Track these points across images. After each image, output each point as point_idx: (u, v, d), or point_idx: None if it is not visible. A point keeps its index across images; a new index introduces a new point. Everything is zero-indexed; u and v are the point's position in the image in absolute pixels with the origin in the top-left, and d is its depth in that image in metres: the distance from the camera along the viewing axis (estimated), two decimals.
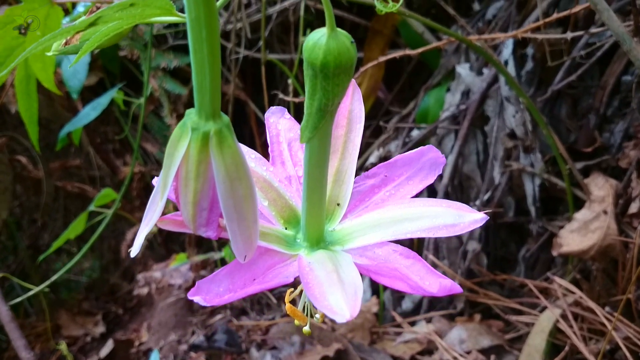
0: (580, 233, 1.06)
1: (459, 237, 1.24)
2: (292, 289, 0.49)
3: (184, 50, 1.60)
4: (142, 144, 1.84)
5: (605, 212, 1.05)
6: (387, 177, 0.49)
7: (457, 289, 0.40)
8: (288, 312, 0.48)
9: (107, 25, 0.35)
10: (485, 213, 0.43)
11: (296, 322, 0.50)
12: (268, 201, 0.47)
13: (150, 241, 1.84)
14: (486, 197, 1.17)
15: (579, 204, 1.10)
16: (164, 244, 1.85)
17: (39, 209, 1.69)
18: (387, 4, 0.32)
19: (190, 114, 0.36)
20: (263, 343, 1.19)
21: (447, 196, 1.25)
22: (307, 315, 0.49)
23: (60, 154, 1.72)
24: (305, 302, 0.49)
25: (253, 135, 1.72)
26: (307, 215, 0.44)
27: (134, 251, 0.39)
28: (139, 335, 1.43)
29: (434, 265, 1.24)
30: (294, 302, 0.49)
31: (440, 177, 1.25)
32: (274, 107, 0.52)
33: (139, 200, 1.83)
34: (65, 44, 0.36)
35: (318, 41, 0.35)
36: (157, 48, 1.60)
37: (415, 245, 1.34)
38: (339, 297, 0.37)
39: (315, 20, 1.39)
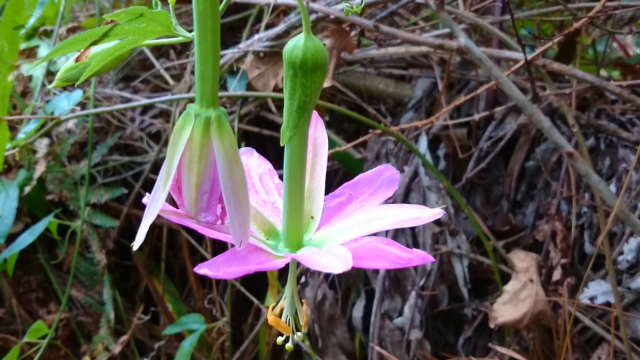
0: (512, 303, 1.13)
1: (401, 329, 1.28)
2: (274, 304, 0.52)
3: (114, 184, 1.62)
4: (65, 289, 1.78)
5: (531, 281, 1.13)
6: (352, 195, 0.55)
7: (429, 258, 0.45)
8: (271, 324, 0.51)
9: (117, 39, 0.41)
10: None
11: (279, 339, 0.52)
12: None
13: None
14: (422, 283, 1.24)
15: (505, 280, 1.19)
16: None
17: None
18: (351, 9, 0.40)
19: (192, 107, 0.41)
20: None
21: (384, 289, 1.30)
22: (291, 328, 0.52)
23: None
24: (287, 316, 0.52)
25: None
26: (289, 217, 0.48)
27: (136, 244, 0.42)
28: None
29: (381, 356, 1.26)
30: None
31: (377, 271, 1.31)
32: (244, 147, 0.58)
33: (63, 349, 1.73)
34: (77, 60, 0.41)
35: (297, 43, 0.43)
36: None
37: (357, 340, 1.35)
38: (331, 258, 0.41)
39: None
